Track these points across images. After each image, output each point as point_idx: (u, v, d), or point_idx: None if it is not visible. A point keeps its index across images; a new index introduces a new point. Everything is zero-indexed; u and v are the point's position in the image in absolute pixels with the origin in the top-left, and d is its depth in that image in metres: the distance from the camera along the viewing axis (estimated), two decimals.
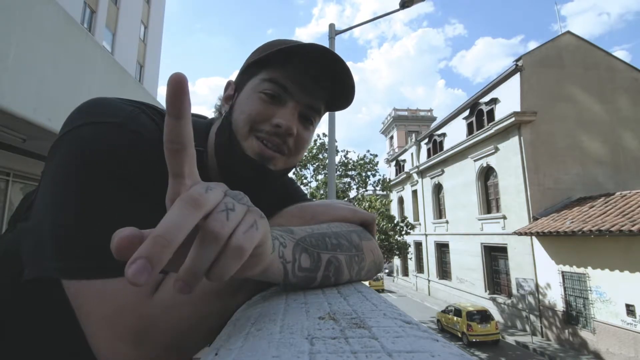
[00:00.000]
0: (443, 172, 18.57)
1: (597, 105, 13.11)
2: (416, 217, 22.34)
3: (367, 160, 15.30)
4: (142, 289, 0.40)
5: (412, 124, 38.38)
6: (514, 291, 12.85)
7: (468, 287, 16.00)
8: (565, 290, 10.91)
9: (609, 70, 13.57)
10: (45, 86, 3.51)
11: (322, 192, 13.31)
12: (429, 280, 20.45)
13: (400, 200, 25.95)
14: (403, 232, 14.96)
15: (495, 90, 14.51)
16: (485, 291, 14.71)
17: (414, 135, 29.87)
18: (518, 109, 12.59)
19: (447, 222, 18.19)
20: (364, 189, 15.53)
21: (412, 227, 16.32)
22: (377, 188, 16.26)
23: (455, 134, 17.46)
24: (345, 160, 15.25)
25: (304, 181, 14.47)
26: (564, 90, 13.05)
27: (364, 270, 0.53)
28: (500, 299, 13.94)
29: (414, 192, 22.98)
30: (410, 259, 20.78)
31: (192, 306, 0.41)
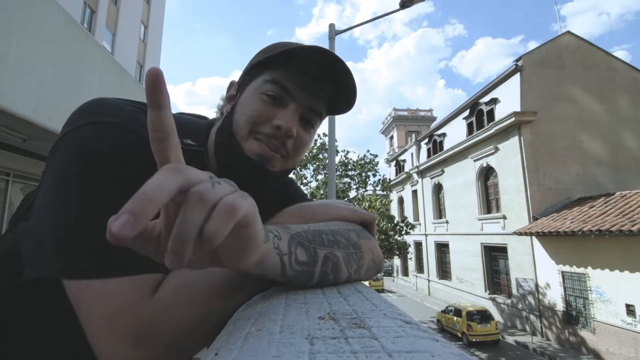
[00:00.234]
0: (443, 172, 18.57)
1: (597, 105, 13.10)
2: (416, 217, 22.34)
3: (367, 161, 15.31)
4: (142, 289, 0.40)
5: (412, 124, 38.38)
6: (514, 291, 12.86)
7: (468, 287, 16.00)
8: (565, 290, 10.90)
9: (609, 70, 13.57)
10: (45, 86, 3.51)
11: (322, 192, 13.31)
12: (429, 280, 20.45)
13: (400, 200, 25.95)
14: (403, 232, 14.96)
15: (495, 90, 14.51)
16: (485, 291, 14.71)
17: (414, 135, 29.86)
18: (518, 109, 12.59)
19: (447, 222, 18.19)
20: (364, 189, 15.54)
21: (412, 227, 16.33)
22: (377, 188, 16.28)
23: (455, 134, 17.46)
24: (346, 160, 15.25)
25: (304, 181, 14.48)
26: (564, 90, 13.05)
27: (364, 269, 0.53)
28: (500, 299, 13.93)
29: (414, 192, 22.98)
30: (410, 259, 20.78)
31: (192, 306, 0.41)
